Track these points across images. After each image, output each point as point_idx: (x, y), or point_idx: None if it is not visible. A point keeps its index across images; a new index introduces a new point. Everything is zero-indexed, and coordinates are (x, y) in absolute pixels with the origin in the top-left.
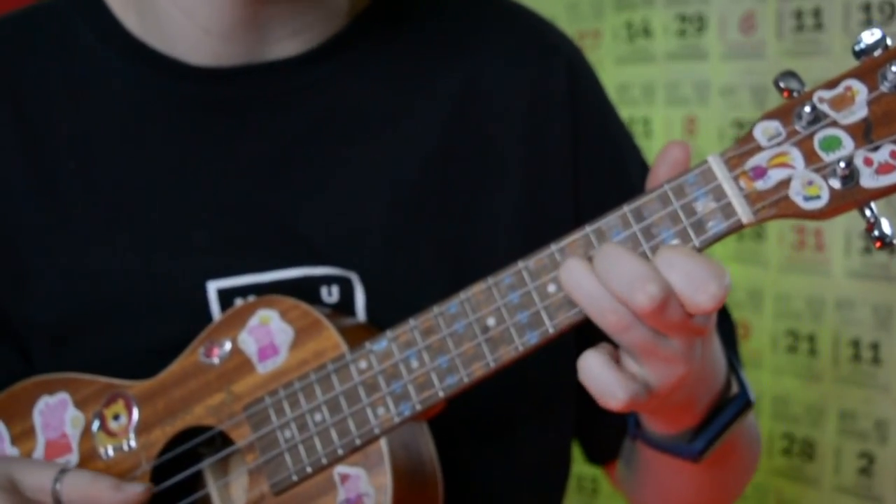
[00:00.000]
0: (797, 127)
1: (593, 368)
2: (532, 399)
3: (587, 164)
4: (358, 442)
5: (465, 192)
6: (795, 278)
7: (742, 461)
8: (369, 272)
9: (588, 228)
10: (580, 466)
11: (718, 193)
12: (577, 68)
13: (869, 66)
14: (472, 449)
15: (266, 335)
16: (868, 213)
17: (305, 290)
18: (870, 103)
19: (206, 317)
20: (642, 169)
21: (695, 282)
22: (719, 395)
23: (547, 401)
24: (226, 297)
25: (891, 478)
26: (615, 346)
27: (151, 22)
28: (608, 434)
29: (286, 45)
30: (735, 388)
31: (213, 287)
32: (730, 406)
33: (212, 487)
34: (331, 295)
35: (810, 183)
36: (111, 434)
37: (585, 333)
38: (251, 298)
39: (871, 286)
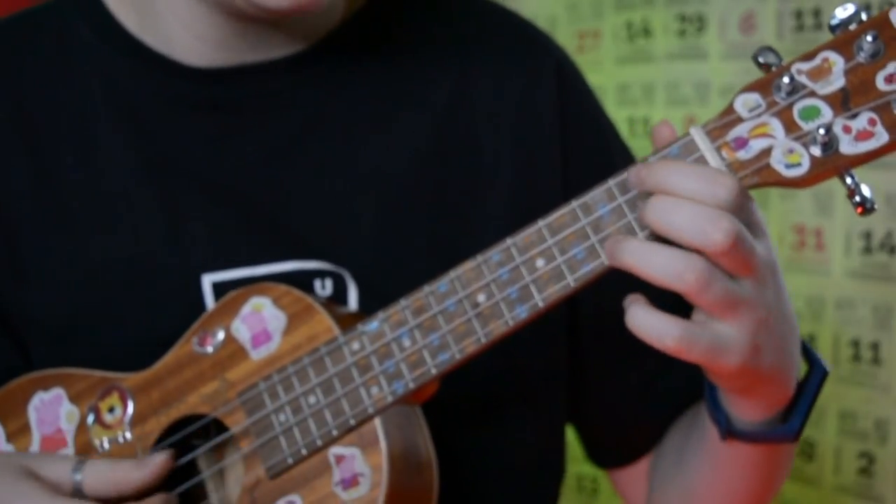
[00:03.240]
0: (776, 98)
1: (638, 313)
2: (520, 386)
3: (576, 165)
4: (352, 422)
5: (456, 192)
6: (795, 278)
7: (792, 453)
8: (361, 268)
9: (574, 203)
10: (580, 466)
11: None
12: (564, 71)
13: (845, 38)
14: (462, 435)
15: (259, 322)
16: (849, 179)
17: (299, 284)
18: (847, 73)
19: (202, 310)
20: None
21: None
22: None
23: (535, 388)
24: (221, 290)
25: (891, 478)
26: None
27: (149, 23)
28: (621, 437)
29: (279, 49)
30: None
31: (208, 280)
32: (812, 377)
33: (206, 475)
34: (324, 288)
35: (791, 151)
36: (106, 427)
37: (577, 324)
38: None
39: (871, 286)
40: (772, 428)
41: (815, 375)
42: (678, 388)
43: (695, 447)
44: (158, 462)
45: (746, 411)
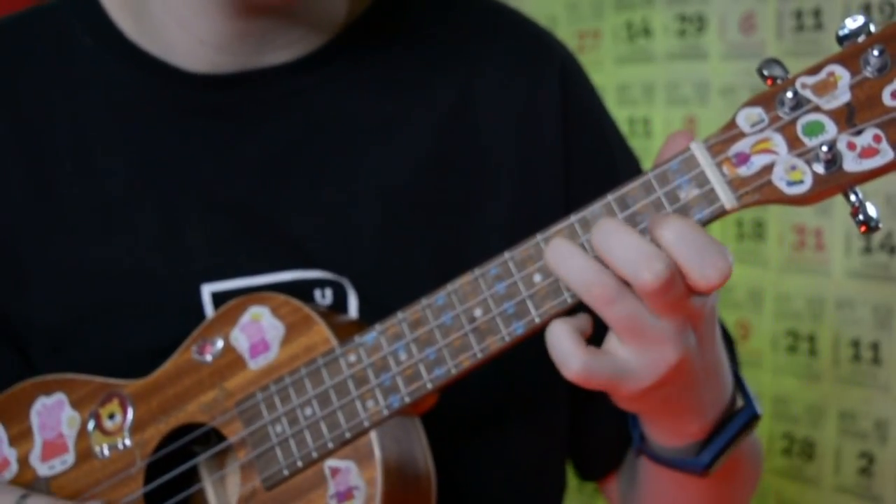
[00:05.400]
0: (780, 113)
1: (552, 334)
2: (521, 399)
3: (579, 171)
4: (348, 435)
5: (458, 200)
6: (795, 278)
7: (746, 478)
8: (361, 277)
9: (573, 218)
10: None
11: (701, 180)
12: (569, 75)
13: (851, 51)
14: (464, 446)
15: (257, 331)
16: (853, 197)
17: (299, 293)
18: (852, 88)
19: (201, 320)
20: (636, 173)
21: (705, 256)
22: (726, 410)
23: (536, 399)
24: (220, 300)
25: (891, 478)
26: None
27: (148, 28)
28: (598, 448)
29: (281, 53)
30: (740, 403)
31: (207, 290)
32: (736, 418)
33: (207, 483)
34: (324, 297)
35: (793, 168)
36: (106, 433)
37: None
38: None
39: (871, 286)
40: (682, 458)
41: (741, 417)
42: None
43: (636, 461)
44: None
45: (658, 436)
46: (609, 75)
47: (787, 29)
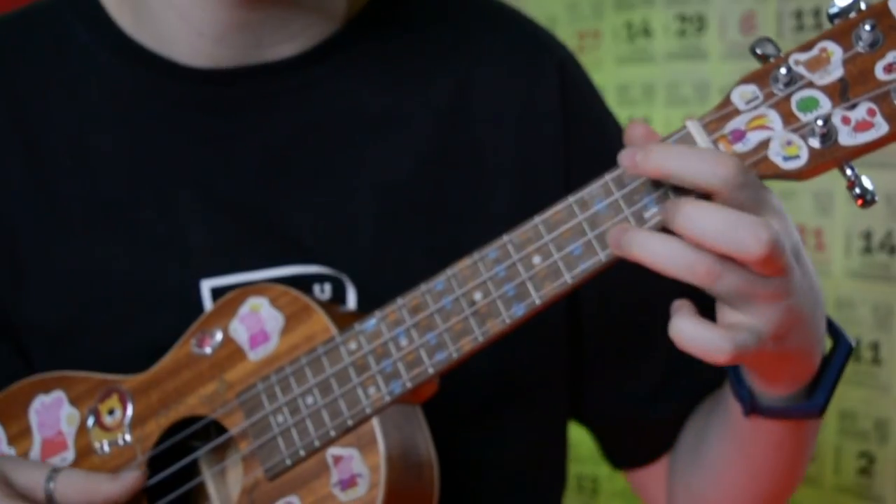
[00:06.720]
0: (774, 89)
1: (686, 331)
2: (520, 387)
3: (579, 168)
4: (350, 423)
5: (458, 195)
6: None
7: (811, 447)
8: (360, 273)
9: (571, 199)
10: (580, 466)
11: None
12: (568, 72)
13: (843, 27)
14: (463, 436)
15: (257, 322)
16: (848, 171)
17: (298, 288)
18: (845, 63)
19: (200, 315)
20: None
21: (743, 230)
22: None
23: (535, 390)
24: (219, 295)
25: (891, 478)
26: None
27: (146, 23)
28: (633, 437)
29: (281, 48)
30: (828, 342)
31: (206, 286)
32: (837, 353)
33: (207, 476)
34: (323, 292)
35: (789, 143)
36: (106, 429)
37: (581, 326)
38: None
39: (871, 286)
40: (796, 404)
41: (841, 350)
42: (694, 383)
43: (717, 428)
44: (132, 478)
45: (771, 387)
46: (609, 75)
47: (787, 29)
